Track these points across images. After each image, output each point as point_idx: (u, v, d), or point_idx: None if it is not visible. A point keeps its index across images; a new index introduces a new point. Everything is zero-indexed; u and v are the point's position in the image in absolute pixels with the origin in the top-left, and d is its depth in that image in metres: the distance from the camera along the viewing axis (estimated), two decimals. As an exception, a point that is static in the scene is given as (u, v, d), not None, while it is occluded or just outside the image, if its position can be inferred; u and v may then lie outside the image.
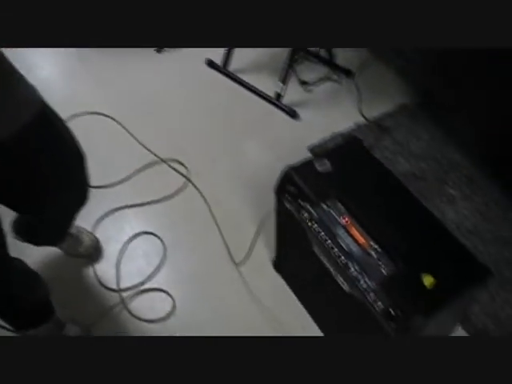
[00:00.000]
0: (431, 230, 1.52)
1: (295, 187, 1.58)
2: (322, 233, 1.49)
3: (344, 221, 1.49)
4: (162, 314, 1.89)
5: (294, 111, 2.48)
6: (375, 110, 2.50)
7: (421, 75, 2.51)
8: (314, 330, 1.83)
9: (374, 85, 2.61)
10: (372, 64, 2.72)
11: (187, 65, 2.75)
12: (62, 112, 2.42)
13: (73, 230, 1.96)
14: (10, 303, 1.62)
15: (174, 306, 1.91)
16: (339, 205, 1.53)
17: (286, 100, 2.52)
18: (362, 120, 2.46)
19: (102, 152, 2.37)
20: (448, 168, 2.27)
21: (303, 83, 2.61)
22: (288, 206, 1.60)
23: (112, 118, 2.48)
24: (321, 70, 2.68)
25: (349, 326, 1.64)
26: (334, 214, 1.51)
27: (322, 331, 1.83)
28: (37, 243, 1.88)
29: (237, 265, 1.97)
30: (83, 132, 2.41)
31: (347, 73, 2.64)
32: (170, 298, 1.93)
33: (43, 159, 1.41)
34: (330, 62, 2.65)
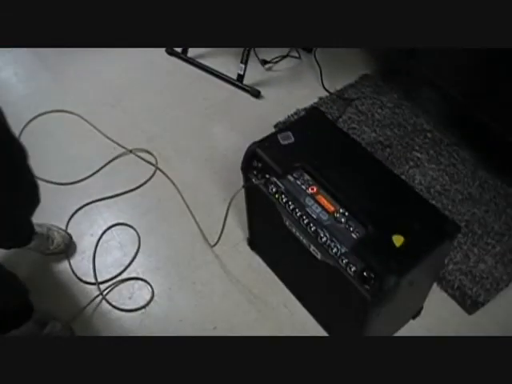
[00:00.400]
0: (398, 193, 1.54)
1: (261, 162, 1.59)
2: (291, 204, 1.50)
3: (311, 190, 1.50)
4: (142, 303, 1.89)
5: (257, 91, 2.48)
6: (338, 83, 2.51)
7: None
8: (296, 305, 1.85)
9: (334, 58, 2.62)
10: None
11: (147, 55, 2.72)
12: (25, 113, 2.43)
13: (41, 229, 1.95)
14: None
15: (152, 294, 1.90)
16: (305, 175, 1.54)
17: (248, 80, 2.52)
18: (325, 94, 2.47)
19: (70, 149, 2.36)
20: (413, 133, 2.29)
21: (264, 62, 2.61)
22: (255, 181, 1.60)
23: (76, 114, 2.46)
24: (280, 48, 2.68)
25: (327, 295, 1.66)
26: (300, 184, 1.52)
27: (303, 305, 1.84)
28: (2, 246, 1.88)
29: (212, 246, 1.98)
30: (48, 131, 2.42)
31: (306, 48, 2.65)
32: (148, 286, 1.92)
33: None
34: (289, 39, 2.65)
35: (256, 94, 2.47)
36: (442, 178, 2.15)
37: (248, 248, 1.99)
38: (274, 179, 1.55)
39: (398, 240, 1.39)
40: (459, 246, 1.95)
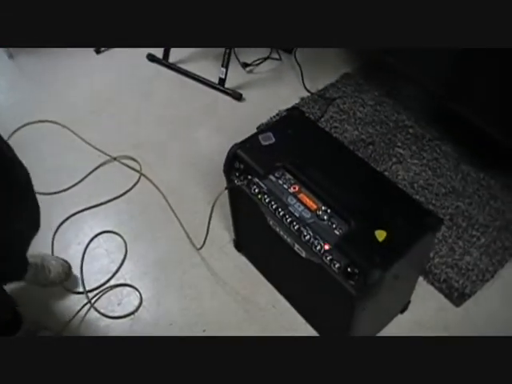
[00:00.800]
0: (380, 189, 1.55)
1: (242, 163, 1.60)
2: (274, 204, 1.51)
3: (293, 189, 1.51)
4: (130, 309, 1.88)
5: (239, 94, 2.49)
6: (319, 83, 2.53)
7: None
8: (284, 305, 1.85)
9: (314, 58, 2.64)
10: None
11: (128, 62, 2.74)
12: (8, 124, 2.42)
13: (34, 259, 1.88)
14: None
15: (141, 299, 1.90)
16: (287, 174, 1.55)
17: (230, 84, 2.53)
18: (307, 94, 2.48)
19: (54, 159, 2.35)
20: (395, 129, 2.31)
21: (245, 65, 2.62)
22: (238, 183, 1.61)
23: (58, 124, 2.46)
24: (260, 50, 2.69)
25: (313, 293, 1.66)
26: (282, 184, 1.53)
27: (291, 304, 1.85)
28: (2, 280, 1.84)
29: (198, 249, 1.98)
30: (32, 142, 2.42)
31: (286, 49, 2.66)
32: (136, 292, 1.92)
33: None
34: (269, 41, 2.67)
35: (238, 97, 2.48)
36: (425, 173, 2.16)
37: (234, 249, 1.99)
38: (256, 180, 1.56)
39: (380, 235, 1.40)
40: (444, 240, 1.97)
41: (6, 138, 2.32)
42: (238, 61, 2.63)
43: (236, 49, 2.61)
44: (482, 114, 2.01)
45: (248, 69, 2.63)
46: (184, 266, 1.98)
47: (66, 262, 1.96)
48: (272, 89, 2.56)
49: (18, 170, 1.53)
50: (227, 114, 2.47)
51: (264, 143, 1.62)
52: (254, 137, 1.64)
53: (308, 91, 2.49)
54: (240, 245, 1.97)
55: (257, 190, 1.55)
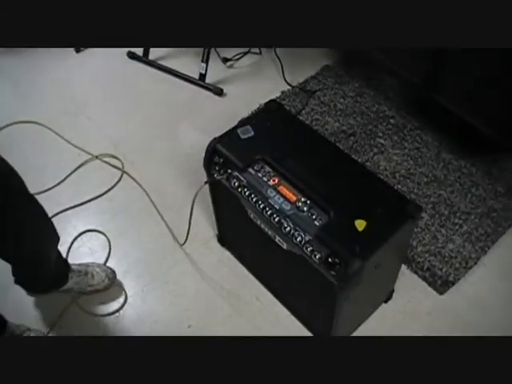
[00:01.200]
0: (359, 178, 1.56)
1: (222, 157, 1.60)
2: (253, 197, 1.51)
3: (273, 182, 1.51)
4: (116, 306, 1.88)
5: (220, 89, 2.48)
6: (300, 76, 2.53)
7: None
8: (268, 298, 1.86)
9: (294, 51, 2.64)
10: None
11: (109, 60, 2.72)
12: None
13: (78, 267, 1.89)
14: None
15: (126, 297, 1.90)
16: (266, 167, 1.55)
17: (210, 79, 2.52)
18: (287, 87, 2.48)
19: (35, 159, 2.33)
20: (376, 120, 2.32)
21: (225, 60, 2.62)
22: (217, 177, 1.61)
23: (39, 124, 2.44)
24: (241, 44, 2.70)
25: (296, 284, 1.67)
26: (262, 176, 1.53)
27: (275, 296, 1.85)
28: (41, 290, 1.85)
29: (182, 245, 1.98)
30: (13, 143, 2.40)
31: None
32: (121, 289, 1.92)
33: None
34: (248, 36, 2.66)
35: (219, 92, 2.48)
36: (406, 163, 2.17)
37: (218, 244, 1.99)
38: (236, 173, 1.56)
39: (360, 224, 1.41)
40: (427, 228, 1.98)
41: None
42: (219, 56, 2.63)
43: (216, 44, 2.61)
44: (460, 103, 2.02)
45: (228, 64, 2.63)
46: (168, 262, 1.97)
47: (110, 269, 1.95)
48: (253, 83, 2.56)
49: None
50: (208, 110, 2.46)
51: (243, 137, 1.62)
52: (232, 131, 1.64)
53: (289, 84, 2.49)
54: (223, 239, 1.97)
55: (236, 184, 1.55)
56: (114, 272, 1.95)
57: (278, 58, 2.58)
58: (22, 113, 2.49)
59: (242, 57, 2.66)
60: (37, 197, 2.14)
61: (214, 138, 1.62)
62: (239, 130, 1.63)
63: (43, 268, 1.75)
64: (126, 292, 1.91)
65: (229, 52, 2.66)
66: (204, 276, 1.93)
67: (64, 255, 2.01)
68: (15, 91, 2.63)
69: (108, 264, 1.99)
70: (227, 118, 2.33)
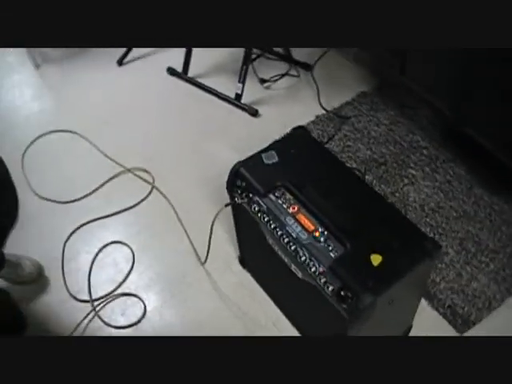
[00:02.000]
0: (379, 211, 1.54)
1: (244, 181, 1.61)
2: (272, 223, 1.51)
3: (292, 209, 1.51)
4: (134, 319, 1.91)
5: (255, 109, 2.50)
6: (335, 101, 2.52)
7: (377, 62, 2.54)
8: (284, 323, 1.85)
9: (332, 76, 2.64)
10: (329, 55, 2.75)
11: (148, 75, 2.79)
12: (28, 134, 2.49)
13: (11, 257, 1.94)
14: None
15: (144, 310, 1.93)
16: (287, 194, 1.55)
17: (246, 99, 2.55)
18: (322, 112, 2.48)
19: (69, 168, 2.41)
20: (408, 150, 2.29)
21: (262, 81, 2.64)
22: (238, 200, 1.62)
23: (76, 133, 2.52)
24: (279, 66, 2.71)
25: (310, 313, 1.66)
26: (282, 203, 1.53)
27: (292, 323, 1.84)
28: None
29: (204, 264, 2.00)
30: (50, 150, 2.48)
31: (305, 66, 2.67)
32: (140, 303, 1.95)
33: None
34: (287, 58, 2.68)
35: (254, 113, 2.50)
36: (436, 196, 2.14)
37: (240, 266, 2.00)
38: (257, 198, 1.56)
39: (375, 259, 1.39)
40: (452, 264, 1.94)
41: (26, 146, 2.44)
42: (257, 76, 2.65)
43: (255, 65, 2.63)
44: (493, 139, 1.98)
45: (265, 85, 2.65)
46: (188, 279, 1.99)
47: (39, 263, 2.03)
48: (288, 105, 2.56)
49: None
50: (242, 130, 2.48)
51: (267, 162, 1.63)
52: (257, 155, 1.65)
53: (324, 109, 2.49)
54: (244, 261, 1.98)
55: (256, 209, 1.56)
56: (41, 267, 2.03)
57: (315, 82, 2.59)
58: (62, 122, 2.58)
59: (279, 78, 2.67)
60: (67, 205, 2.25)
61: (238, 162, 1.63)
62: (263, 155, 1.64)
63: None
64: (145, 306, 1.94)
65: (266, 73, 2.68)
66: (222, 296, 1.93)
67: (89, 264, 2.06)
68: (56, 101, 2.74)
69: (130, 277, 2.02)
70: (260, 140, 2.33)
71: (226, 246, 2.05)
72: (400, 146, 2.31)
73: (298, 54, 2.74)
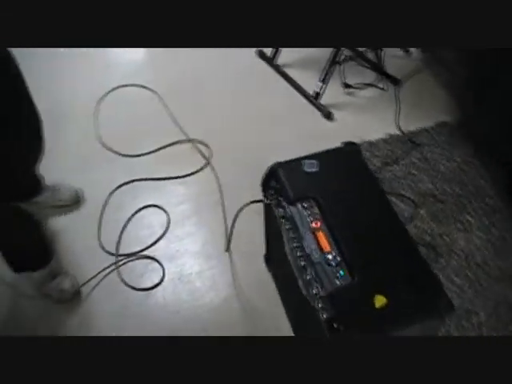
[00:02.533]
0: (401, 251, 1.46)
1: (278, 183, 1.58)
2: (292, 233, 1.48)
3: (314, 224, 1.47)
4: (149, 284, 1.95)
5: (330, 112, 2.44)
6: (413, 124, 2.41)
7: (465, 92, 2.39)
8: (288, 332, 1.81)
9: (417, 97, 2.53)
10: (420, 75, 2.63)
11: (238, 52, 2.76)
12: (109, 81, 2.57)
13: (50, 183, 2.10)
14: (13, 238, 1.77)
15: (162, 279, 1.96)
16: (315, 208, 1.50)
17: (325, 99, 2.49)
18: (397, 132, 2.38)
19: (137, 123, 2.48)
20: (472, 195, 2.15)
21: (346, 85, 2.56)
22: (267, 200, 1.60)
23: (154, 92, 2.58)
24: (367, 74, 2.63)
25: (309, 330, 1.62)
26: (307, 215, 1.49)
27: (294, 332, 1.81)
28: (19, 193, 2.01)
29: (230, 252, 2.00)
30: (124, 102, 2.55)
31: (394, 81, 2.56)
32: (160, 270, 1.98)
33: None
34: (377, 68, 2.58)
35: (327, 115, 2.44)
36: (486, 250, 2.00)
37: (264, 264, 1.98)
38: (285, 203, 1.53)
39: (379, 300, 1.32)
40: (479, 328, 1.82)
41: (105, 92, 2.53)
42: (342, 79, 2.57)
43: (343, 67, 2.55)
44: None
45: (348, 90, 2.57)
46: (212, 262, 2.01)
47: (76, 191, 2.18)
48: (364, 117, 2.48)
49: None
50: (311, 128, 2.44)
51: (306, 170, 1.59)
52: (298, 160, 1.61)
53: (399, 129, 2.39)
54: (269, 261, 1.96)
55: (281, 213, 1.53)
56: (80, 191, 2.19)
57: (398, 100, 2.48)
58: (144, 77, 2.65)
59: (364, 88, 2.59)
60: (125, 159, 2.31)
61: (278, 162, 1.60)
62: (305, 162, 1.60)
63: (22, 177, 1.94)
64: (164, 274, 1.97)
65: (353, 78, 2.60)
66: (237, 287, 1.93)
67: (125, 220, 2.12)
68: (147, 55, 2.81)
69: (159, 243, 2.06)
70: (325, 142, 2.29)
71: (258, 240, 2.02)
72: (465, 188, 2.17)
73: (391, 66, 2.63)
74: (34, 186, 2.06)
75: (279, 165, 1.60)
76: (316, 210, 1.50)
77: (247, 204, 1.66)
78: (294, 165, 1.60)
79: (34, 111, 1.76)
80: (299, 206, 1.52)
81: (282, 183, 1.56)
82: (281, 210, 1.54)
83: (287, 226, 1.50)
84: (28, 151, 1.86)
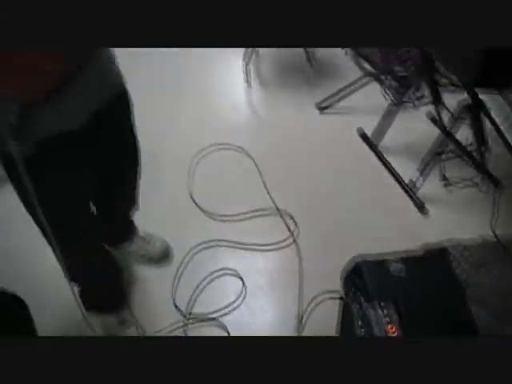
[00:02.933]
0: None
1: (361, 280, 1.54)
2: (364, 332, 1.44)
3: (390, 329, 1.41)
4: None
5: (423, 206, 2.39)
6: (510, 231, 2.29)
7: None
8: None
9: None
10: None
11: (340, 129, 2.80)
12: (212, 138, 2.65)
13: (144, 234, 2.16)
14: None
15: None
16: (394, 315, 1.45)
17: (421, 190, 2.43)
18: (492, 237, 2.26)
19: (229, 185, 2.54)
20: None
21: (444, 179, 2.48)
22: (345, 298, 1.56)
23: (252, 158, 2.63)
24: (467, 170, 2.50)
25: None
26: (383, 318, 1.44)
27: None
28: (111, 238, 2.07)
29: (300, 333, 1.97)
30: (214, 165, 2.62)
31: (495, 182, 2.45)
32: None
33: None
34: (480, 166, 2.48)
35: (420, 207, 2.38)
36: None
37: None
38: (362, 300, 1.49)
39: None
40: None
41: (203, 148, 2.60)
42: (440, 171, 2.48)
43: (443, 160, 2.48)
44: None
45: (445, 182, 2.48)
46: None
47: (167, 244, 2.22)
48: (459, 214, 2.39)
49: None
50: (402, 218, 2.39)
51: (392, 273, 1.54)
52: (386, 262, 1.56)
53: (493, 233, 2.27)
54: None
55: (356, 310, 1.49)
56: (170, 247, 2.21)
57: (498, 204, 2.36)
58: (243, 142, 2.71)
59: (462, 184, 2.49)
60: (211, 219, 2.35)
61: (364, 260, 1.57)
62: (391, 264, 1.55)
63: (122, 204, 1.98)
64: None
65: (452, 171, 2.49)
66: None
67: (201, 279, 2.14)
68: (252, 124, 2.93)
69: (230, 311, 2.07)
70: (413, 235, 2.23)
71: (329, 328, 1.92)
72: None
73: (494, 165, 2.51)
74: (128, 231, 2.14)
75: (364, 262, 1.56)
76: (395, 317, 1.44)
77: (324, 292, 1.62)
78: (380, 265, 1.55)
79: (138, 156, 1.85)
80: (377, 306, 1.46)
81: (364, 281, 1.52)
82: (357, 305, 1.49)
83: (360, 323, 1.46)
84: (129, 197, 1.96)
